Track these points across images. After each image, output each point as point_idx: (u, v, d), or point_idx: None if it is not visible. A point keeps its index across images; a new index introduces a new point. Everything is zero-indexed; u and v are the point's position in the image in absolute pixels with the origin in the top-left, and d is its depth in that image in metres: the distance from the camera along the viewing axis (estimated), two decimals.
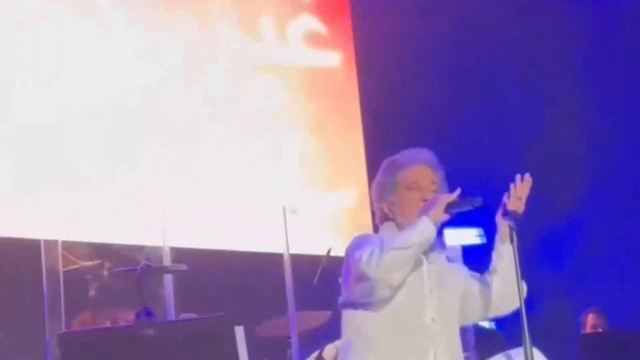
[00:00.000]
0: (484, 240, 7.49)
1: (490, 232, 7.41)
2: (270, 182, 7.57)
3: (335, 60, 8.48)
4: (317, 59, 8.39)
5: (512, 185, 4.00)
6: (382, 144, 8.18)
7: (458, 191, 3.91)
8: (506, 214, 3.88)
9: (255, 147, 7.73)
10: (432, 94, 8.45)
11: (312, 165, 8.05)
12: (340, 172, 8.24)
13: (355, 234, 4.21)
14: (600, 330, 7.46)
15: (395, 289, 3.86)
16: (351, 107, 8.43)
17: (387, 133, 8.24)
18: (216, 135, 7.65)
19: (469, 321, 4.25)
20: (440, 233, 4.00)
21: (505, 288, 4.00)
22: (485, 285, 4.07)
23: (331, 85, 8.37)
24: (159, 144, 7.36)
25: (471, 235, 7.36)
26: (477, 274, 4.12)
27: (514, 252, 3.84)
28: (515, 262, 3.83)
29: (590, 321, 7.62)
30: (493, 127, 8.62)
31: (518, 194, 3.98)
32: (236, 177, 7.62)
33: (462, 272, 4.16)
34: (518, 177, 4.00)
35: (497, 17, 8.70)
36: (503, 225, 4.00)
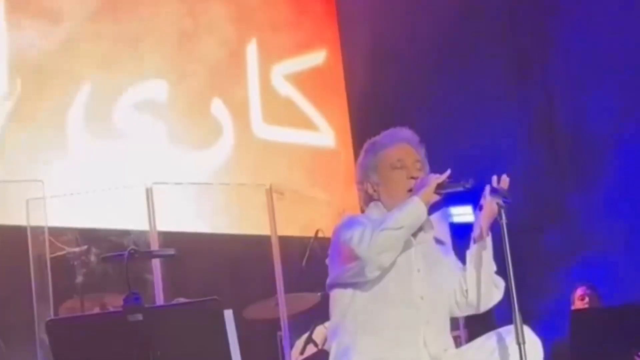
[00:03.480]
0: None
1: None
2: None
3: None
4: None
5: (487, 190, 3.91)
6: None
7: (448, 172, 3.89)
8: (495, 191, 3.84)
9: None
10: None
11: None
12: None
13: (343, 215, 4.19)
14: (589, 306, 7.48)
15: (385, 270, 3.85)
16: None
17: None
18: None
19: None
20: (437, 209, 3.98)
21: (480, 284, 3.99)
22: (461, 280, 4.06)
23: None
24: (144, 125, 7.35)
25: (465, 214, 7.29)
26: (461, 268, 4.10)
27: (502, 230, 3.81)
28: (504, 241, 3.80)
29: (580, 298, 7.63)
30: (483, 109, 8.59)
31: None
32: (221, 158, 7.64)
33: (453, 258, 4.15)
34: (494, 178, 3.92)
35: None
36: (484, 217, 3.92)
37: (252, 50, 8.14)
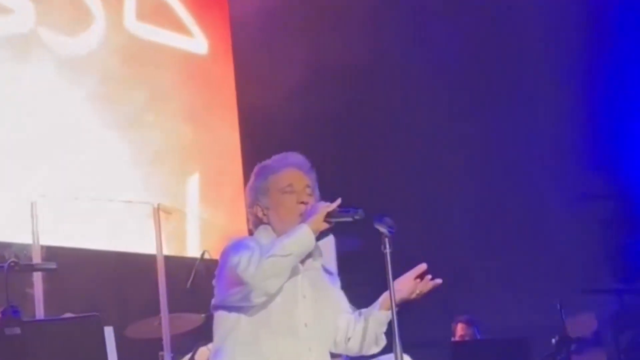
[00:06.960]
0: None
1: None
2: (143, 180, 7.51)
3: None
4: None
5: (416, 272, 4.01)
6: None
7: (338, 201, 3.91)
8: (380, 220, 3.87)
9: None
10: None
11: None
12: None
13: (231, 238, 4.18)
14: (467, 338, 7.62)
15: (271, 295, 3.86)
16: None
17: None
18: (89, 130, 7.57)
19: None
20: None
21: (364, 339, 4.05)
22: (349, 325, 4.10)
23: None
24: (29, 136, 7.22)
25: None
26: (348, 307, 4.15)
27: (387, 260, 3.84)
28: (387, 270, 3.83)
29: (460, 330, 7.78)
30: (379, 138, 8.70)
31: (420, 287, 4.02)
32: (109, 173, 7.53)
33: (340, 291, 4.18)
34: (424, 269, 4.02)
35: None
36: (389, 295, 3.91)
37: None
